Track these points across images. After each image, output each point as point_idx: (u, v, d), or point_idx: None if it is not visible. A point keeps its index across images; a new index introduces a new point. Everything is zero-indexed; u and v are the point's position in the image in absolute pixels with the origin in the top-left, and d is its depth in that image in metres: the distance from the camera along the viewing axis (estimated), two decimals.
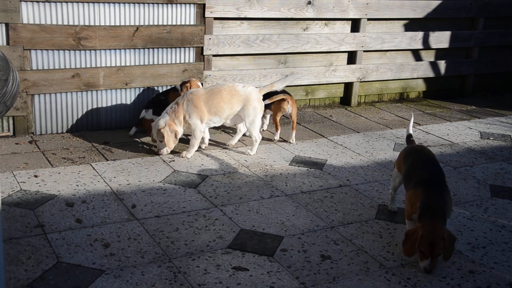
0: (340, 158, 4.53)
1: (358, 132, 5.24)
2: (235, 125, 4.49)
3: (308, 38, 5.65)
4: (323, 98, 6.14)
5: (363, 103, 6.35)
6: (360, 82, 6.19)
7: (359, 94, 6.27)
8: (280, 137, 4.85)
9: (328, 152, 4.66)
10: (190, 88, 4.58)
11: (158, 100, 4.72)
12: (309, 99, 6.08)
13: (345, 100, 6.22)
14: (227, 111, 4.20)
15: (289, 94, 4.75)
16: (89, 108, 4.84)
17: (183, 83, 4.70)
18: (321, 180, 4.04)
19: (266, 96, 4.54)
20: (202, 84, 4.88)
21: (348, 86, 6.18)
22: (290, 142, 4.75)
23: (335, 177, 4.10)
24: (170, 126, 4.06)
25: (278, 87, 4.37)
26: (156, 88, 5.05)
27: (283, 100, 4.66)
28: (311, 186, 3.92)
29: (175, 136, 4.07)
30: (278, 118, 4.75)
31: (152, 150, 4.44)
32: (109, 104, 4.91)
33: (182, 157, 4.10)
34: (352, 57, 6.04)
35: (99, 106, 4.87)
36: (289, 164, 4.31)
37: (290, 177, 4.05)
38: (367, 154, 4.64)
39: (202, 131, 4.15)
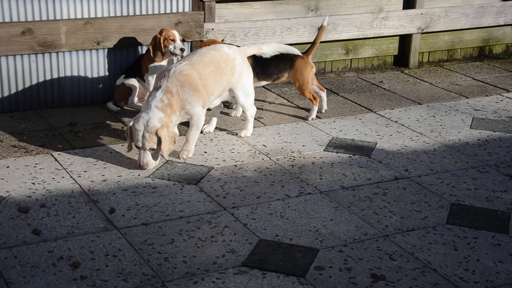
0: (395, 140, 4.52)
1: (419, 104, 5.24)
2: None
3: None
4: (370, 58, 6.12)
5: (427, 63, 6.33)
6: (422, 33, 6.16)
7: (421, 50, 6.25)
8: (317, 114, 4.89)
9: (378, 132, 4.65)
10: None
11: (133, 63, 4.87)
12: (350, 59, 6.06)
13: (401, 59, 6.21)
14: (223, 85, 4.22)
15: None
16: (48, 77, 4.84)
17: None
18: (369, 170, 4.03)
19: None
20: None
21: (404, 40, 6.16)
22: (306, 120, 4.82)
23: (389, 167, 4.09)
24: (168, 128, 3.87)
25: (267, 52, 4.45)
26: (139, 48, 5.06)
27: (301, 57, 4.75)
28: (356, 180, 3.91)
29: (174, 142, 3.93)
30: (310, 86, 4.79)
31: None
32: (75, 72, 4.91)
33: (181, 158, 4.07)
34: None
35: (61, 74, 4.87)
36: (324, 150, 4.31)
37: (326, 168, 4.04)
38: (433, 134, 4.64)
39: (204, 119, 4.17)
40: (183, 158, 4.09)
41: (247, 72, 4.31)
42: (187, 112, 4.00)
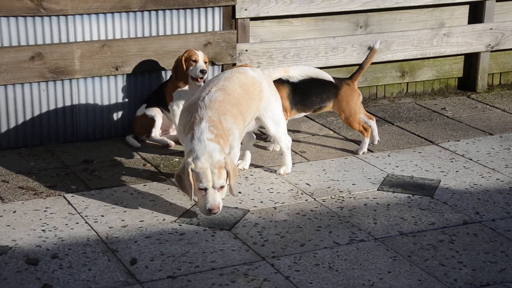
0: (462, 177, 4.48)
1: (490, 134, 5.20)
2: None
3: None
4: (430, 81, 6.10)
5: (498, 87, 6.28)
6: (492, 51, 6.13)
7: (490, 71, 6.21)
8: (369, 147, 4.88)
9: (441, 167, 4.61)
10: None
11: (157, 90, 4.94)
12: (407, 83, 6.04)
13: (467, 82, 6.18)
14: (253, 112, 4.23)
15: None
16: (59, 107, 4.89)
17: None
18: (432, 213, 3.99)
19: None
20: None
21: (471, 60, 6.13)
22: (356, 154, 4.83)
23: (456, 209, 4.05)
24: (231, 161, 3.89)
25: (294, 75, 4.47)
26: (163, 74, 5.11)
27: (346, 84, 4.77)
28: (416, 224, 3.87)
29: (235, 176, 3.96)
30: (359, 116, 4.81)
31: (161, 171, 4.46)
32: (90, 101, 4.95)
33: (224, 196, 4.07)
34: (477, 11, 5.99)
35: (75, 104, 4.93)
36: (378, 189, 4.29)
37: (380, 210, 4.02)
38: (508, 170, 4.58)
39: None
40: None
41: (275, 98, 4.32)
42: (229, 144, 4.00)
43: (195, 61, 4.69)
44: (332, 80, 4.67)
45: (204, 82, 4.69)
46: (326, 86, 4.73)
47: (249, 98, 4.12)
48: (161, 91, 4.90)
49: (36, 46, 4.72)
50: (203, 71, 4.67)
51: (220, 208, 3.82)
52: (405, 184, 4.35)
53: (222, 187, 3.84)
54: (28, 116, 4.83)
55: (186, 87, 4.76)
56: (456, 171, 4.55)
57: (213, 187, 3.79)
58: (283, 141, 4.41)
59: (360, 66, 4.81)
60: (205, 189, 3.78)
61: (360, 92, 4.81)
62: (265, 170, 4.53)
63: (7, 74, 4.68)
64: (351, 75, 4.84)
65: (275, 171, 4.49)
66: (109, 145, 4.91)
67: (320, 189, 4.28)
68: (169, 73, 5.06)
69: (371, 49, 4.81)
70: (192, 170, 3.77)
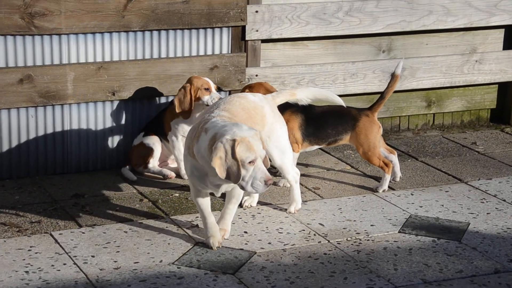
0: (494, 219, 4.44)
1: None
2: None
3: (431, 5, 5.66)
4: (459, 112, 6.09)
5: None
6: None
7: None
8: (390, 184, 4.86)
9: (470, 208, 4.58)
10: None
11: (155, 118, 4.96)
12: (433, 114, 6.03)
13: (500, 114, 6.17)
14: None
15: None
16: (49, 135, 4.89)
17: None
18: (460, 260, 3.95)
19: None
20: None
21: (505, 90, 6.12)
22: (376, 191, 4.82)
23: (486, 256, 4.01)
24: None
25: (302, 98, 4.43)
26: (165, 99, 5.12)
27: (365, 115, 4.77)
28: (442, 272, 3.83)
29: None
30: (379, 150, 4.80)
31: (159, 207, 4.46)
32: (83, 129, 4.96)
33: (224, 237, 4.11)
34: None
35: (66, 132, 4.93)
36: (399, 231, 4.26)
37: (402, 255, 3.99)
38: None
39: None
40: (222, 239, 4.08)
41: (280, 124, 4.31)
42: None
43: (208, 89, 4.73)
44: (344, 104, 4.65)
45: None
46: (343, 117, 4.75)
47: (253, 122, 4.12)
48: (160, 119, 4.91)
49: (25, 68, 4.74)
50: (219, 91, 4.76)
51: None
52: (429, 227, 4.31)
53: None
54: (14, 144, 4.82)
55: (188, 118, 4.77)
56: (487, 213, 4.52)
57: (260, 157, 3.77)
58: (290, 173, 4.40)
59: (381, 95, 4.81)
60: (253, 161, 3.74)
61: (380, 124, 4.81)
62: (274, 208, 4.51)
63: None
64: (371, 105, 4.84)
65: (285, 210, 4.49)
66: (103, 178, 4.89)
67: (334, 230, 4.24)
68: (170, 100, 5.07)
69: (392, 75, 4.81)
70: (236, 143, 3.71)
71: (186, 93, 4.71)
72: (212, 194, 4.09)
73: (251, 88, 4.81)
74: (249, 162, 3.72)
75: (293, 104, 4.58)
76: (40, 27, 4.70)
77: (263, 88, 4.80)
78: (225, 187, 3.99)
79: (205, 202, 4.04)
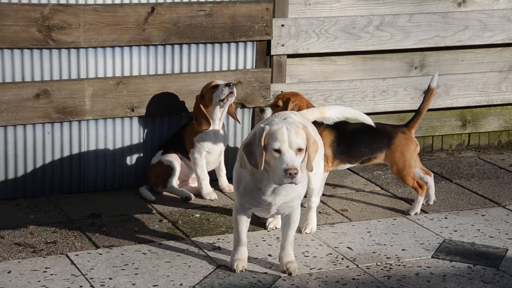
0: None
1: None
2: None
3: (467, 20, 5.67)
4: (496, 132, 6.06)
5: None
6: None
7: None
8: (422, 207, 4.80)
9: (509, 233, 4.53)
10: (299, 109, 4.60)
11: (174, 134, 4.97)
12: (468, 134, 5.99)
13: None
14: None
15: None
16: (65, 153, 4.89)
17: (279, 103, 4.74)
18: None
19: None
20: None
21: None
22: (407, 214, 4.77)
23: None
24: (311, 133, 4.01)
25: (331, 116, 4.39)
26: (185, 116, 5.08)
27: (402, 132, 4.74)
28: None
29: None
30: (414, 170, 4.76)
31: (179, 228, 4.41)
32: (100, 146, 4.95)
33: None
34: None
35: (83, 149, 4.93)
36: (432, 256, 4.21)
37: (435, 281, 3.93)
38: None
39: None
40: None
41: (320, 146, 4.27)
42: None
43: (215, 86, 4.74)
44: (373, 124, 4.59)
45: (234, 95, 4.70)
46: (378, 134, 4.70)
47: None
48: (179, 136, 4.90)
49: (42, 83, 4.73)
50: (228, 84, 4.67)
51: (299, 173, 3.65)
52: (465, 252, 4.27)
53: (300, 150, 3.69)
54: (30, 162, 4.82)
55: (210, 128, 4.75)
56: None
57: (290, 147, 3.67)
58: (317, 196, 4.42)
59: (417, 111, 4.75)
60: (279, 151, 3.66)
61: (417, 142, 4.76)
62: (300, 231, 4.44)
63: (8, 114, 4.68)
64: (407, 121, 4.79)
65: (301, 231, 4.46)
66: (121, 197, 4.89)
67: (363, 254, 4.20)
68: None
69: (427, 89, 4.74)
70: (266, 131, 3.69)
71: (196, 103, 4.77)
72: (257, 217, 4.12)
73: (287, 99, 4.74)
74: (275, 150, 3.65)
75: None
76: (58, 40, 4.70)
77: (304, 100, 4.77)
78: (277, 206, 3.91)
79: (245, 223, 3.99)
